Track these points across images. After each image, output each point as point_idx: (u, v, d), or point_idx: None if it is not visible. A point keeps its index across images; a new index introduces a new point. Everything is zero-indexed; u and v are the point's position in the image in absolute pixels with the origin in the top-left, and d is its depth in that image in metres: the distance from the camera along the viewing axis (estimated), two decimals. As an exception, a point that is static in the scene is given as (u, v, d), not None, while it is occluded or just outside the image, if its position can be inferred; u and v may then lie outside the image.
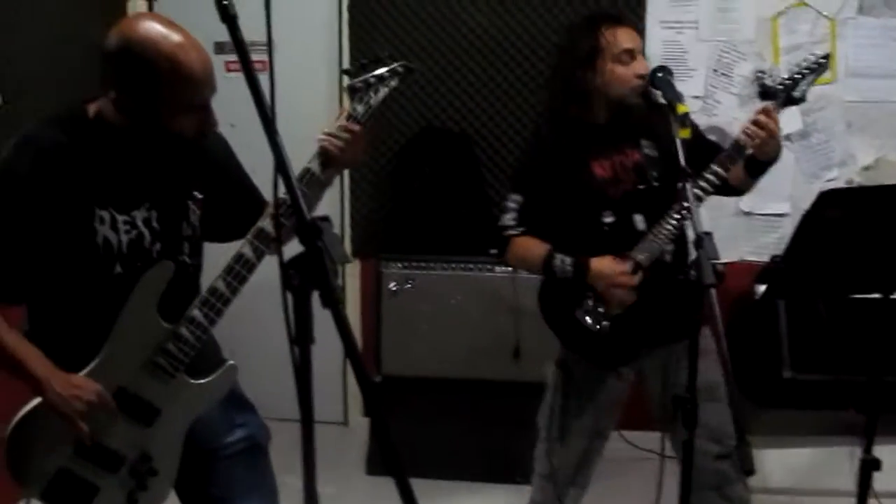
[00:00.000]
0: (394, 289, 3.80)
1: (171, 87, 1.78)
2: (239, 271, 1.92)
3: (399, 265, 3.81)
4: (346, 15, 4.07)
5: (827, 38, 3.88)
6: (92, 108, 1.90)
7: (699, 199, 2.44)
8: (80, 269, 1.90)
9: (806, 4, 3.87)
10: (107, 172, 1.89)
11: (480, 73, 4.04)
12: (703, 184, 2.44)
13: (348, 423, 4.53)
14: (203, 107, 1.87)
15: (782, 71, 3.78)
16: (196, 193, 2.05)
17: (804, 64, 2.51)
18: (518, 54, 3.99)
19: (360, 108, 2.02)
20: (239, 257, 1.92)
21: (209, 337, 1.98)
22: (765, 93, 2.51)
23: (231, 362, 2.07)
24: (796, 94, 2.49)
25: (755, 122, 2.43)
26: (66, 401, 1.85)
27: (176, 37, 1.79)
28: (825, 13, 3.87)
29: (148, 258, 1.95)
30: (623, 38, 2.50)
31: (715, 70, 3.93)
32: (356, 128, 1.99)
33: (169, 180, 2.00)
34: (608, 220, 2.56)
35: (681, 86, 2.40)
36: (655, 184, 2.56)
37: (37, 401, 1.90)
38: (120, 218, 1.91)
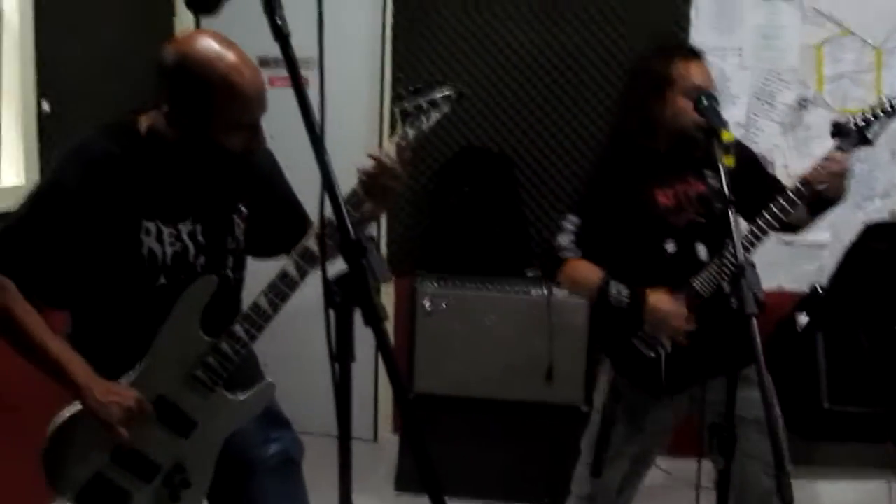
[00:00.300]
0: (428, 307, 3.80)
1: (223, 106, 1.81)
2: (282, 289, 1.93)
3: (434, 284, 3.81)
4: (388, 33, 4.09)
5: (872, 68, 3.85)
6: (143, 120, 1.93)
7: (758, 238, 2.43)
8: (125, 279, 1.92)
9: (851, 33, 3.84)
10: (154, 184, 1.91)
11: (521, 93, 4.04)
12: (762, 223, 2.44)
13: (377, 440, 4.53)
14: (253, 125, 1.89)
15: (826, 99, 3.79)
16: (241, 207, 2.07)
17: (880, 106, 2.49)
18: (559, 75, 4.00)
19: (410, 132, 2.04)
20: (283, 275, 1.93)
21: (249, 352, 1.99)
22: (838, 132, 2.49)
23: (269, 380, 2.09)
24: (869, 135, 2.48)
25: (829, 159, 2.42)
26: (105, 407, 1.86)
27: (231, 56, 1.82)
28: (870, 42, 3.83)
29: (191, 271, 1.98)
30: (695, 73, 2.50)
31: (758, 97, 3.91)
32: (405, 151, 2.01)
33: (215, 194, 2.02)
34: (670, 248, 2.55)
35: (723, 113, 2.39)
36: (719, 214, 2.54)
37: (77, 406, 1.92)
38: (166, 230, 1.93)
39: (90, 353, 1.94)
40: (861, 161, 3.86)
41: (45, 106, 3.02)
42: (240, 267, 2.10)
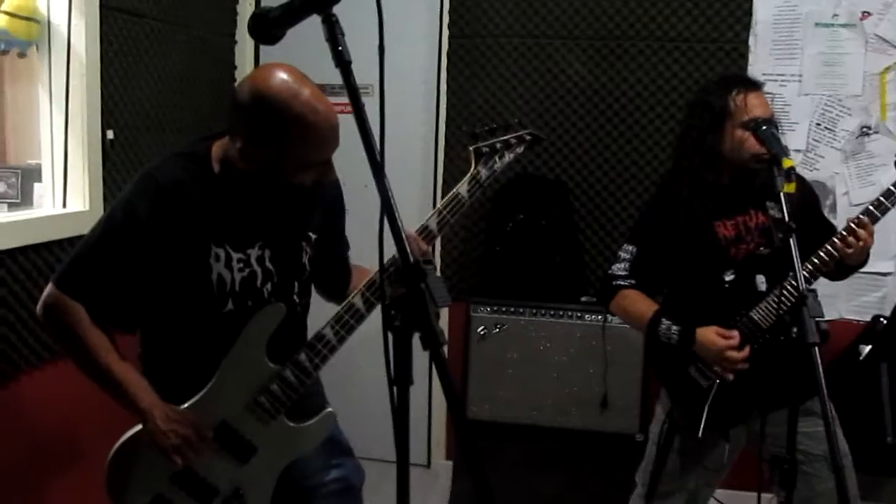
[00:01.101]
0: (482, 333, 3.80)
1: (298, 146, 1.82)
2: (348, 321, 1.95)
3: (488, 309, 3.81)
4: (444, 62, 4.12)
5: (937, 96, 3.77)
6: (215, 149, 1.96)
7: (808, 282, 2.41)
8: (193, 305, 1.95)
9: (916, 60, 3.77)
10: (224, 211, 1.94)
11: (577, 122, 4.04)
12: (811, 267, 2.43)
13: (431, 466, 4.52)
14: (325, 162, 1.90)
15: (889, 127, 3.72)
16: (311, 234, 2.09)
17: None
18: (617, 105, 3.99)
19: (483, 172, 2.06)
20: (349, 307, 1.96)
21: (314, 380, 2.02)
22: None
23: (329, 410, 2.11)
24: None
25: (852, 234, 2.41)
26: (164, 434, 1.90)
27: (306, 94, 1.82)
28: (936, 69, 3.76)
29: (259, 297, 1.99)
30: (753, 103, 2.49)
31: (818, 124, 3.85)
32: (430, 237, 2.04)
33: (285, 220, 2.03)
34: (729, 278, 2.53)
35: (783, 139, 2.38)
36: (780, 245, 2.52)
37: (138, 427, 1.95)
38: (235, 255, 1.95)
39: (157, 376, 1.98)
40: (926, 190, 3.79)
41: (110, 135, 3.09)
42: (306, 293, 2.12)
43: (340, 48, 1.42)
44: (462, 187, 2.05)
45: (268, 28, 1.52)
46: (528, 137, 2.14)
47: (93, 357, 1.91)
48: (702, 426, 2.54)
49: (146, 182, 1.91)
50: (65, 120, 2.93)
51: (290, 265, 2.04)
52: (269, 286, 2.01)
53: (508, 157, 2.10)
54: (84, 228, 2.90)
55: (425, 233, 1.99)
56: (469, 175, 2.06)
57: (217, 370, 1.96)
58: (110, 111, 3.08)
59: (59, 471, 2.91)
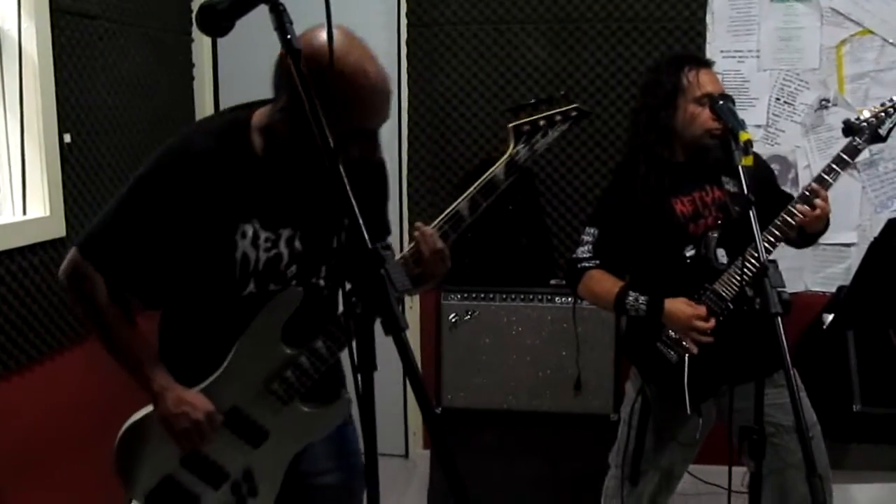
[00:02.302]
0: (453, 320, 3.81)
1: (342, 107, 1.67)
2: None
3: (459, 296, 3.81)
4: (404, 51, 4.11)
5: (893, 66, 3.81)
6: (257, 116, 1.85)
7: (768, 253, 2.44)
8: (214, 282, 1.88)
9: (872, 32, 3.81)
10: (257, 186, 1.84)
11: (539, 106, 4.04)
12: (770, 237, 2.46)
13: (409, 456, 4.53)
14: (371, 133, 1.79)
15: (847, 100, 3.77)
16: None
17: (890, 103, 2.50)
18: (578, 87, 4.00)
19: (523, 152, 1.90)
20: None
21: (334, 366, 1.97)
22: (849, 129, 2.50)
23: (346, 396, 2.06)
24: (882, 131, 2.49)
25: (806, 202, 2.45)
26: (174, 417, 1.87)
27: (357, 54, 1.71)
28: (891, 40, 3.80)
29: (281, 280, 1.92)
30: (705, 80, 2.54)
31: (778, 99, 3.89)
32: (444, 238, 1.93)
33: (320, 201, 1.90)
34: (689, 253, 2.56)
35: (743, 115, 2.40)
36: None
37: (150, 408, 1.94)
38: (263, 234, 1.87)
39: (173, 356, 1.96)
40: (886, 160, 3.84)
41: (67, 138, 3.04)
42: (334, 279, 2.02)
43: (289, 36, 1.41)
44: (499, 168, 1.91)
45: (216, 20, 1.50)
46: (573, 113, 1.95)
47: (111, 332, 1.90)
48: (688, 401, 2.56)
49: (174, 150, 1.83)
50: (20, 125, 2.89)
51: (319, 249, 1.95)
52: (293, 269, 1.93)
53: (552, 134, 1.92)
54: (46, 234, 2.91)
55: (455, 218, 1.88)
56: (507, 155, 1.90)
57: (230, 353, 1.92)
58: (66, 114, 3.04)
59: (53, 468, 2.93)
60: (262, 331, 1.91)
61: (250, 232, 1.84)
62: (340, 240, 1.88)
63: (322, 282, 1.98)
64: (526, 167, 1.90)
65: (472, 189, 1.87)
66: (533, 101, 1.92)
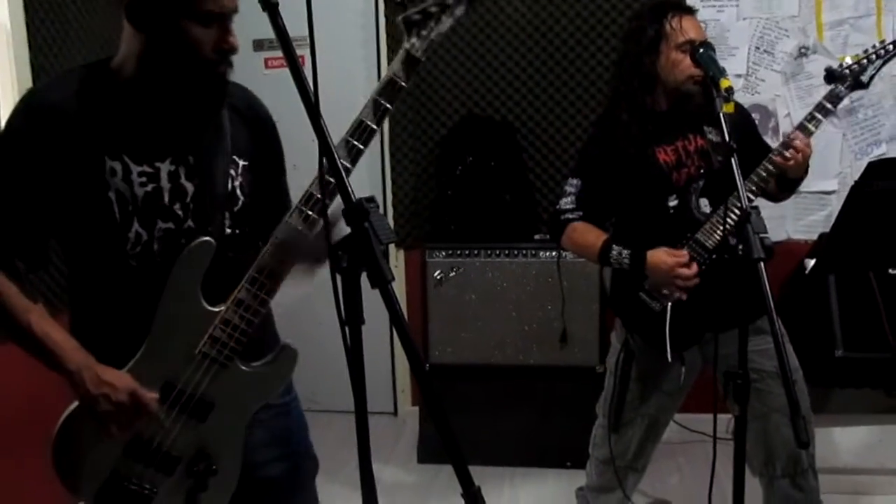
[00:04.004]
0: (439, 277, 3.82)
1: None
2: (287, 243, 1.72)
3: (443, 254, 3.82)
4: (381, 6, 4.08)
5: (872, 12, 3.81)
6: (117, 58, 1.75)
7: (750, 200, 2.45)
8: (98, 230, 1.74)
9: (850, -22, 3.80)
10: (120, 118, 1.73)
11: (521, 61, 4.03)
12: (752, 186, 2.47)
13: (398, 413, 4.57)
14: (221, 16, 1.67)
15: (827, 47, 3.76)
16: (238, 159, 1.85)
17: (872, 49, 2.51)
18: (559, 40, 3.98)
19: (418, 44, 1.73)
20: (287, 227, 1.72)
21: (264, 319, 1.80)
22: (831, 77, 2.51)
23: (288, 344, 1.88)
24: (863, 78, 2.49)
25: (788, 149, 2.45)
26: (94, 400, 1.68)
27: None
28: (870, -14, 3.80)
29: (169, 215, 1.77)
30: (687, 27, 2.53)
31: (757, 48, 3.88)
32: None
33: (196, 132, 1.79)
34: (672, 203, 2.57)
35: (723, 65, 2.40)
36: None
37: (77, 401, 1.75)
38: (135, 168, 1.73)
39: (92, 339, 1.77)
40: (865, 107, 3.85)
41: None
42: (243, 223, 1.86)
43: None
44: (395, 66, 1.73)
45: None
46: None
47: (9, 314, 1.71)
48: (668, 349, 2.58)
49: (25, 101, 1.73)
50: (-6, 91, 2.86)
51: (212, 188, 1.80)
52: (179, 206, 1.77)
53: (447, 21, 1.75)
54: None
55: (360, 128, 1.72)
56: (402, 51, 1.74)
57: (151, 324, 1.75)
58: (43, 69, 3.00)
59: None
60: (178, 292, 1.74)
61: (120, 168, 1.71)
62: (234, 183, 1.82)
63: (232, 230, 1.83)
64: (425, 59, 1.74)
65: (372, 94, 1.72)
66: None
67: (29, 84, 2.92)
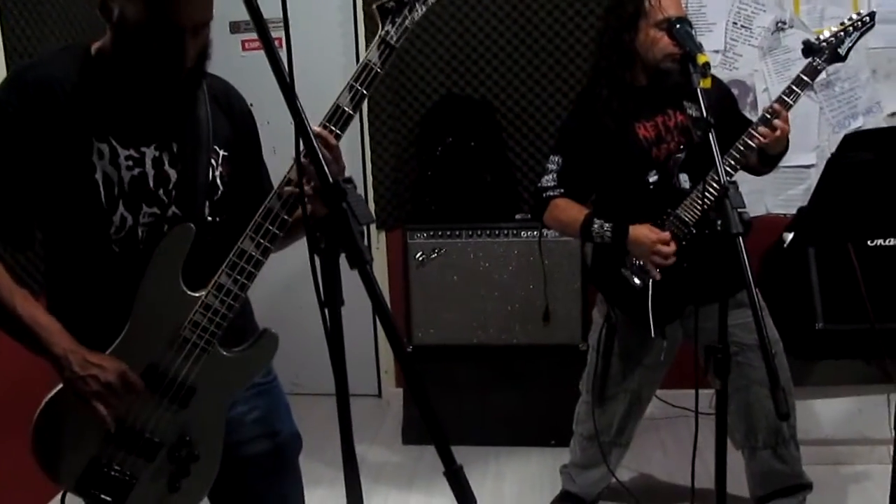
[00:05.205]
0: (420, 259, 3.81)
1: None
2: (268, 228, 1.72)
3: (425, 234, 3.82)
4: (361, -9, 4.06)
5: (849, -15, 3.82)
6: (98, 43, 1.76)
7: (729, 175, 2.46)
8: (83, 210, 1.74)
9: (825, -49, 3.81)
10: (107, 103, 1.73)
11: (500, 40, 4.01)
12: (731, 161, 2.47)
13: (382, 395, 4.57)
14: (195, 28, 1.66)
15: (804, 21, 3.77)
16: (219, 149, 1.87)
17: (849, 22, 2.52)
18: (537, 19, 3.96)
19: (392, 31, 1.76)
20: (267, 212, 1.72)
21: (243, 304, 1.81)
22: (809, 50, 2.52)
23: (269, 329, 1.88)
24: (841, 51, 2.51)
25: (767, 124, 2.46)
26: (82, 381, 1.68)
27: None
28: (845, -41, 3.80)
29: (154, 200, 1.77)
30: (667, 3, 2.53)
31: (735, 23, 3.88)
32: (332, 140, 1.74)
33: (180, 120, 1.81)
34: (653, 179, 2.58)
35: (700, 41, 2.41)
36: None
37: (60, 385, 1.74)
38: (123, 152, 1.73)
39: (70, 322, 1.76)
40: (842, 80, 3.87)
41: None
42: (222, 211, 1.88)
43: None
44: (371, 53, 1.75)
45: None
46: None
47: None
48: (652, 325, 2.59)
49: (14, 78, 1.72)
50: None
51: (195, 177, 1.81)
52: (163, 191, 1.78)
53: (420, 8, 1.78)
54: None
55: (338, 113, 1.73)
56: (377, 37, 1.76)
57: (133, 309, 1.75)
58: (16, 51, 2.96)
59: None
60: (159, 276, 1.75)
61: (107, 151, 1.72)
62: (215, 173, 1.83)
63: (210, 217, 1.85)
64: (399, 45, 1.77)
65: (349, 80, 1.74)
66: None
67: (3, 66, 2.89)
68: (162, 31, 1.62)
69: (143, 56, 1.66)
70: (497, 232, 3.78)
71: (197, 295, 1.76)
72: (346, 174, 1.76)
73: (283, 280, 4.05)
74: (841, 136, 3.66)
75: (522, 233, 3.77)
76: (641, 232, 2.53)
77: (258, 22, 1.35)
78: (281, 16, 1.34)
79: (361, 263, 1.30)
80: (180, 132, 1.80)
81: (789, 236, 3.34)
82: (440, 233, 3.81)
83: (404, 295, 3.88)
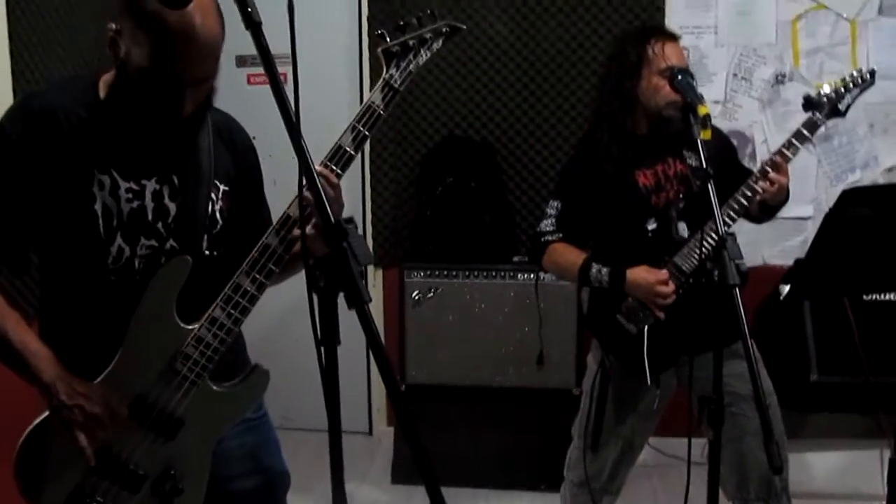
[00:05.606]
0: (416, 298, 3.81)
1: (161, 48, 1.60)
2: (265, 264, 1.72)
3: (422, 274, 3.82)
4: (365, 25, 4.09)
5: (847, 41, 3.87)
6: (105, 75, 1.77)
7: (727, 226, 2.47)
8: (81, 240, 1.74)
9: (825, 7, 3.86)
10: (109, 136, 1.74)
11: (502, 83, 4.05)
12: (730, 211, 2.48)
13: (372, 433, 4.54)
14: (198, 81, 1.68)
15: (803, 74, 3.82)
16: (220, 184, 1.87)
17: (850, 78, 2.55)
18: (539, 63, 4.00)
19: (396, 75, 1.80)
20: (264, 248, 1.72)
21: (235, 339, 1.80)
22: (809, 104, 2.54)
23: (259, 365, 1.89)
24: (840, 106, 2.53)
25: (765, 177, 2.47)
26: (69, 410, 1.68)
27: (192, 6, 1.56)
28: (845, 15, 3.86)
29: (152, 232, 1.78)
30: (670, 53, 2.55)
31: (735, 74, 3.93)
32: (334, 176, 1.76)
33: (182, 155, 1.81)
34: (651, 226, 2.59)
35: (701, 91, 2.42)
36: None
37: (47, 413, 1.74)
38: (123, 184, 1.74)
39: (61, 349, 1.76)
40: (840, 134, 3.90)
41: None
42: (219, 245, 1.88)
43: (249, 9, 1.39)
44: (375, 95, 1.78)
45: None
46: (444, 30, 1.87)
47: None
48: (647, 373, 2.59)
49: (21, 105, 1.74)
50: (-26, 100, 2.84)
51: (194, 211, 1.82)
52: (161, 224, 1.79)
53: (424, 54, 1.83)
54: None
55: (339, 153, 1.75)
56: (381, 81, 1.79)
57: (124, 338, 1.74)
58: (22, 89, 2.96)
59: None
60: (153, 307, 1.74)
61: (108, 182, 1.73)
62: (215, 207, 1.84)
63: (208, 251, 1.85)
64: (403, 89, 1.82)
65: (352, 121, 1.77)
66: (400, 23, 1.83)
67: (9, 83, 2.90)
68: (162, 81, 1.63)
69: (141, 101, 1.67)
70: (494, 273, 3.79)
71: (190, 327, 1.76)
72: (346, 212, 1.78)
73: (278, 313, 4.04)
74: (838, 188, 3.72)
75: (519, 275, 3.77)
76: (639, 274, 2.53)
77: (265, 58, 1.36)
78: (287, 51, 1.36)
79: (360, 304, 1.30)
80: (181, 166, 1.82)
81: (786, 288, 3.34)
82: (437, 272, 3.81)
83: (399, 333, 3.87)
